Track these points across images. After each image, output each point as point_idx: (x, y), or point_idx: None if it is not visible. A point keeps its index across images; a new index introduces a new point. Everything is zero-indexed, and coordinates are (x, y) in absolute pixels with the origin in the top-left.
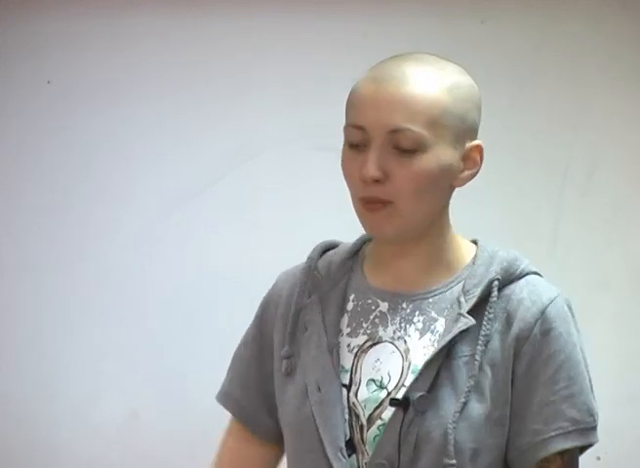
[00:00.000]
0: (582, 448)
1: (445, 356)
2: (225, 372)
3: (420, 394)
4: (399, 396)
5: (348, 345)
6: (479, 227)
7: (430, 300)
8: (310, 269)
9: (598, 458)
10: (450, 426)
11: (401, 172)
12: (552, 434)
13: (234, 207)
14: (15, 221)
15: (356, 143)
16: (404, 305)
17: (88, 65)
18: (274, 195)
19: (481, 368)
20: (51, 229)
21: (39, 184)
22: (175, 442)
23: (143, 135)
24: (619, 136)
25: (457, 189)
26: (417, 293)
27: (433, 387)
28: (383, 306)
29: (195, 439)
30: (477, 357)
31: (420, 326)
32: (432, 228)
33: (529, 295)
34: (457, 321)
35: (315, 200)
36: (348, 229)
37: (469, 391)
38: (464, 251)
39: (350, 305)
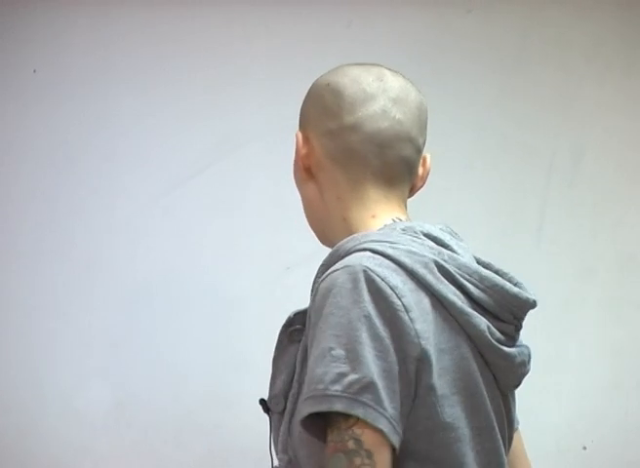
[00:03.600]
0: (350, 417)
1: (304, 351)
2: (213, 359)
3: (273, 395)
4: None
5: None
6: (465, 217)
7: None
8: None
9: (584, 448)
10: (284, 422)
11: None
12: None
13: (220, 196)
14: (2, 211)
15: None
16: None
17: (74, 55)
18: (260, 184)
19: (304, 356)
20: (38, 218)
21: (25, 174)
22: (161, 430)
23: (130, 125)
24: (604, 125)
25: (440, 178)
26: None
27: (292, 384)
28: None
29: (182, 427)
30: (300, 346)
31: None
32: (329, 226)
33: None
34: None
35: None
36: None
37: (298, 382)
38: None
39: None
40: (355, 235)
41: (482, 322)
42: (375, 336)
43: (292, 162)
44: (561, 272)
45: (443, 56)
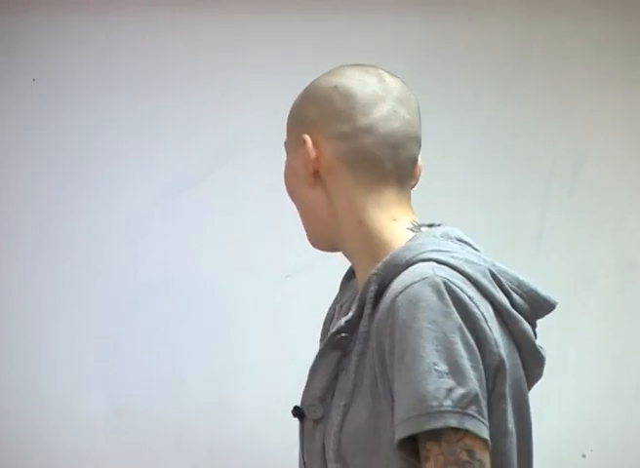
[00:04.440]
0: (459, 431)
1: (341, 360)
2: (213, 365)
3: (310, 402)
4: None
5: None
6: (465, 224)
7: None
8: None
9: (584, 456)
10: (332, 431)
11: None
12: (397, 423)
13: (221, 202)
14: (2, 215)
15: None
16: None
17: (73, 63)
18: (261, 191)
19: (360, 366)
20: (39, 223)
21: (26, 180)
22: (160, 435)
23: (131, 132)
24: (604, 132)
25: (440, 185)
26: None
27: (329, 392)
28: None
29: (181, 432)
30: (354, 356)
31: None
32: (338, 229)
33: (396, 285)
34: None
35: None
36: None
37: (352, 392)
38: (391, 249)
39: None
40: (408, 243)
41: (529, 327)
42: (468, 348)
43: (289, 170)
44: (561, 278)
45: (443, 63)
